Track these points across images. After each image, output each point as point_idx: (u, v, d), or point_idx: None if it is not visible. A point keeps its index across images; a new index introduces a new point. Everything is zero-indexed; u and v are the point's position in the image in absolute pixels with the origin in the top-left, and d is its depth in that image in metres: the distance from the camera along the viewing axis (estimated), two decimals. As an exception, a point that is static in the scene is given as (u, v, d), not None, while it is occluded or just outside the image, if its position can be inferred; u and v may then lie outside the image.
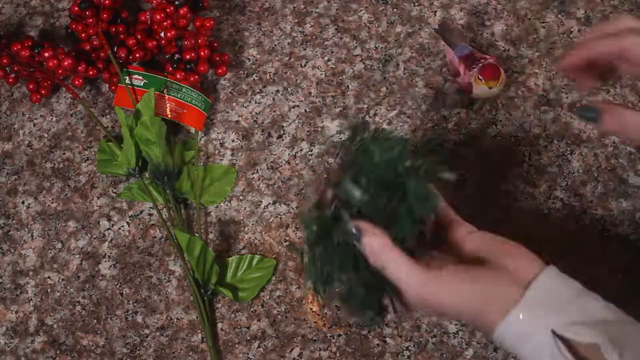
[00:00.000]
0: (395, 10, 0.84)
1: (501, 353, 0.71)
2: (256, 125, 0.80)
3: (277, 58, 0.82)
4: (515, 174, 0.77)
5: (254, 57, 0.83)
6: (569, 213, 0.75)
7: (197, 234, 0.75)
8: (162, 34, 0.77)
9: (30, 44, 0.76)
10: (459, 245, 0.58)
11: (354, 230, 0.55)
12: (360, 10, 0.84)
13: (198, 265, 0.71)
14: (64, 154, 0.80)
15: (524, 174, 0.77)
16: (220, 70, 0.79)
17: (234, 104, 0.81)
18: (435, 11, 0.84)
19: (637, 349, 0.51)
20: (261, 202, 0.77)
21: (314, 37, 0.83)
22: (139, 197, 0.77)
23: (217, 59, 0.79)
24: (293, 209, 0.76)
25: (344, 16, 0.84)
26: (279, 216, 0.76)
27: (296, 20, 0.84)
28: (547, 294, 0.53)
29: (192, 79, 0.77)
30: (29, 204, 0.78)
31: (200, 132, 0.78)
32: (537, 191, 0.76)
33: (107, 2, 0.77)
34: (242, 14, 0.85)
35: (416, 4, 0.84)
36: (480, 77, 0.74)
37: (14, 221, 0.77)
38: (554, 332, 0.51)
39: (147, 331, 0.73)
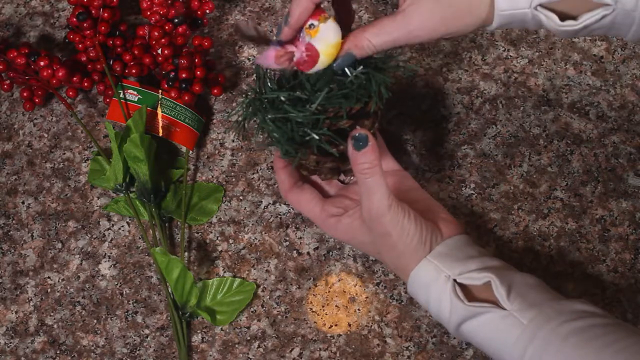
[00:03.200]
0: (395, 10, 0.84)
1: (501, 353, 0.71)
2: (256, 125, 0.80)
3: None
4: (515, 174, 0.77)
5: (254, 57, 0.83)
6: (569, 213, 0.75)
7: (179, 255, 0.74)
8: (159, 51, 0.77)
9: (26, 51, 0.76)
10: (405, 192, 0.66)
11: (357, 135, 0.59)
12: (360, 10, 0.84)
13: (176, 287, 0.71)
14: (64, 154, 0.80)
15: (524, 174, 0.77)
16: (215, 90, 0.79)
17: (234, 104, 0.81)
18: (435, 11, 0.84)
19: (520, 289, 0.59)
20: (261, 202, 0.77)
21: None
22: (125, 211, 0.76)
23: (213, 78, 0.78)
24: (293, 209, 0.76)
25: (344, 16, 0.84)
26: (279, 216, 0.76)
27: (296, 20, 0.84)
28: (452, 250, 0.62)
29: (186, 97, 0.76)
30: (29, 204, 0.78)
31: (191, 151, 0.78)
32: (537, 191, 0.76)
33: (105, 15, 0.76)
34: (242, 14, 0.85)
35: (416, 4, 0.84)
36: (310, 24, 0.59)
37: (14, 221, 0.77)
38: (454, 280, 0.60)
39: (147, 331, 0.73)
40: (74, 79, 0.77)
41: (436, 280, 0.60)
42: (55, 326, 0.74)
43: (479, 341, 0.60)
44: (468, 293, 0.60)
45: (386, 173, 0.69)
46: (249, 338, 0.72)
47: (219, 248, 0.75)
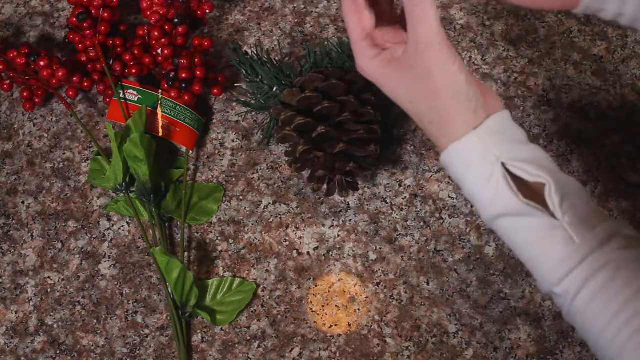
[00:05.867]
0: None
1: (501, 353, 0.71)
2: (256, 125, 0.80)
3: (277, 58, 0.82)
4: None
5: (254, 57, 0.83)
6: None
7: (179, 255, 0.74)
8: (159, 51, 0.77)
9: (26, 51, 0.76)
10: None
11: None
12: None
13: (176, 287, 0.71)
14: (64, 154, 0.80)
15: (524, 174, 0.77)
16: (215, 90, 0.79)
17: (234, 104, 0.81)
18: (435, 11, 0.84)
19: (573, 200, 0.53)
20: (261, 202, 0.77)
21: (314, 37, 0.83)
22: (124, 211, 0.76)
23: (213, 78, 0.79)
24: (293, 208, 0.76)
25: (344, 16, 0.84)
26: (279, 216, 0.76)
27: (296, 20, 0.84)
28: (502, 128, 0.55)
29: (186, 97, 0.76)
30: (29, 204, 0.78)
31: (191, 151, 0.78)
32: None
33: (105, 14, 0.76)
34: (242, 14, 0.85)
35: (416, 4, 0.84)
36: None
37: (14, 221, 0.77)
38: (503, 165, 0.53)
39: (147, 331, 0.73)
40: (74, 79, 0.77)
41: (482, 158, 0.53)
42: (55, 326, 0.74)
43: (516, 241, 0.54)
44: (515, 179, 0.53)
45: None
46: (249, 338, 0.72)
47: (219, 248, 0.75)
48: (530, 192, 0.53)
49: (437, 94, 0.54)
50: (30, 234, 0.77)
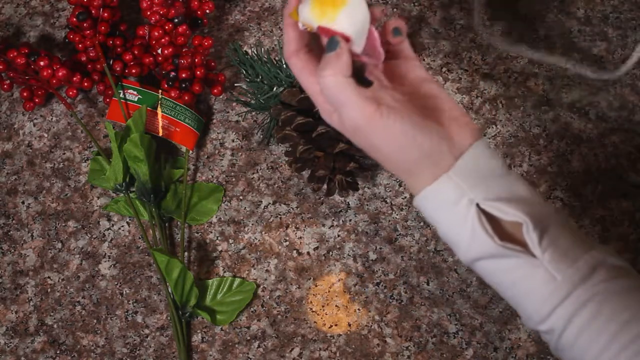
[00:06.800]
0: (395, 10, 0.84)
1: (501, 353, 0.71)
2: (256, 125, 0.80)
3: (277, 58, 0.82)
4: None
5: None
6: (569, 213, 0.75)
7: (179, 255, 0.75)
8: (159, 51, 0.77)
9: (26, 51, 0.76)
10: (412, 85, 0.56)
11: (332, 37, 0.52)
12: (360, 10, 0.84)
13: (176, 287, 0.71)
14: (64, 154, 0.80)
15: (524, 174, 0.77)
16: (215, 90, 0.79)
17: (234, 104, 0.81)
18: (435, 11, 0.84)
19: (554, 232, 0.52)
20: (261, 202, 0.77)
21: (314, 37, 0.83)
22: (124, 211, 0.76)
23: (213, 78, 0.79)
24: (293, 208, 0.76)
25: (344, 16, 0.84)
26: (279, 216, 0.76)
27: (296, 20, 0.84)
28: (476, 165, 0.53)
29: (186, 97, 0.76)
30: (29, 204, 0.78)
31: (191, 151, 0.78)
32: (537, 191, 0.76)
33: (105, 14, 0.76)
34: (242, 14, 0.85)
35: (416, 3, 0.84)
36: None
37: (14, 221, 0.77)
38: (478, 206, 0.51)
39: (147, 331, 0.73)
40: (74, 79, 0.77)
41: (456, 203, 0.52)
42: (55, 326, 0.74)
43: (497, 282, 0.54)
44: (492, 223, 0.52)
45: (417, 85, 0.58)
46: (249, 338, 0.72)
47: (219, 248, 0.75)
48: (509, 228, 0.52)
49: (388, 160, 0.54)
50: (30, 234, 0.77)
